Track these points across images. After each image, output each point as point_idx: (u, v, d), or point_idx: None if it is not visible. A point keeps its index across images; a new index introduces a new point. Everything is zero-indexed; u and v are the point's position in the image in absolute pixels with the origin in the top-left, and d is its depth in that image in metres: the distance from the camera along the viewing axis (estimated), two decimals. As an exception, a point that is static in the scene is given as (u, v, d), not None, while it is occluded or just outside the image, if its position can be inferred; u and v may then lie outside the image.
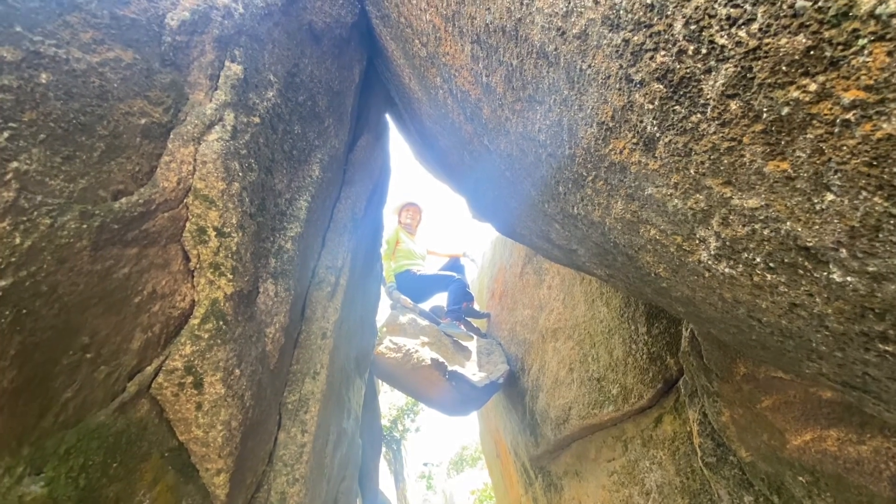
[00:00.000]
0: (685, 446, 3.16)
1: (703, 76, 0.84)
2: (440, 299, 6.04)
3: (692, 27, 0.80)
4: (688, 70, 0.86)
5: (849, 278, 0.84)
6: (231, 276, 1.33)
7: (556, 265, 5.14)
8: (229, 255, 1.33)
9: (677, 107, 0.92)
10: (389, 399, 8.54)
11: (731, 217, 0.99)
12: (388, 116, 4.22)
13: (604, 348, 4.10)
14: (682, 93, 0.90)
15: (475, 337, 5.96)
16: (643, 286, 1.89)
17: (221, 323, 1.32)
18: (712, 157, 0.92)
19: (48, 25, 0.87)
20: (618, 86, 1.04)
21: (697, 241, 1.15)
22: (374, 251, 4.18)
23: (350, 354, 3.15)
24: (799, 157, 0.77)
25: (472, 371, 5.22)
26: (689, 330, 2.85)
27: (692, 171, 1.00)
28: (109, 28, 1.02)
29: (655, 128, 1.01)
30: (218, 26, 1.39)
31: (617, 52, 0.99)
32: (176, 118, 1.23)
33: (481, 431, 8.41)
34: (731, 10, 0.73)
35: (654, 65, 0.92)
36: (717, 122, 0.86)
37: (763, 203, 0.89)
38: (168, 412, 1.26)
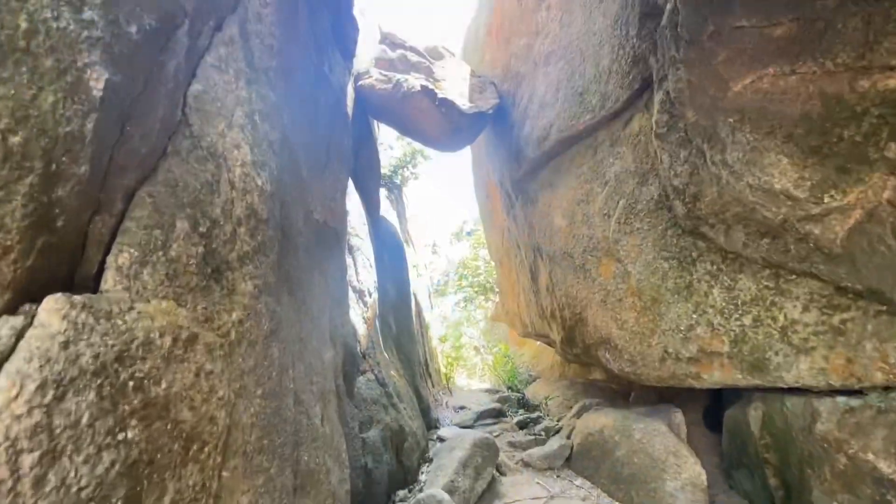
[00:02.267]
0: (646, 137, 3.49)
1: None
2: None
3: None
4: None
5: None
6: None
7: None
8: None
9: None
10: (389, 155, 8.95)
11: None
12: None
13: (592, 62, 4.10)
14: None
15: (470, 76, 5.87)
16: None
17: None
18: None
19: None
20: None
21: None
22: None
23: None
24: None
25: (462, 101, 5.34)
26: (672, 2, 2.79)
27: None
28: None
29: None
30: None
31: None
32: None
33: (475, 181, 9.14)
34: None
35: None
36: None
37: None
38: None
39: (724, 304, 2.72)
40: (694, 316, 2.89)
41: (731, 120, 2.39)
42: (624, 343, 3.47)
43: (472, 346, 14.71)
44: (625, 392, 5.32)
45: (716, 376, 2.78)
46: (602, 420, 3.79)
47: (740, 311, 2.62)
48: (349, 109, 3.78)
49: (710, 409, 4.06)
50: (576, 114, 4.21)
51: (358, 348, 3.38)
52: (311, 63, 1.95)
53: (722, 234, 2.69)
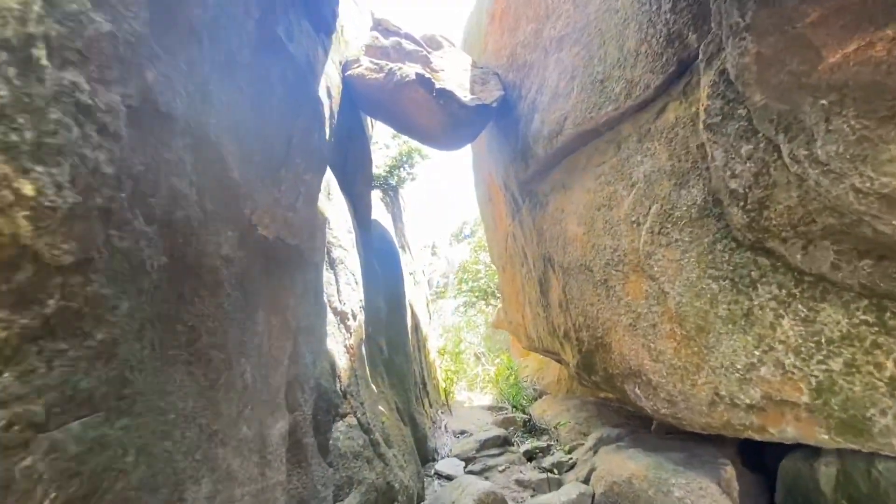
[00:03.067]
0: (685, 130, 2.89)
1: None
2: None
3: None
4: None
5: None
6: None
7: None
8: None
9: None
10: (384, 154, 8.38)
11: None
12: None
13: (614, 44, 3.50)
14: None
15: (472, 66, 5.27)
16: None
17: None
18: None
19: None
20: None
21: None
22: None
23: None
24: None
25: (462, 93, 4.74)
26: (733, -45, 2.19)
27: None
28: None
29: None
30: None
31: None
32: None
33: (476, 182, 8.53)
34: None
35: None
36: None
37: None
38: None
39: (799, 340, 2.12)
40: (756, 352, 2.29)
41: (823, 102, 1.79)
42: (660, 379, 2.86)
43: (472, 353, 14.10)
44: (645, 416, 4.71)
45: (789, 432, 2.18)
46: (630, 466, 3.19)
47: (825, 352, 2.02)
48: (331, 99, 3.17)
49: (748, 444, 3.47)
50: (595, 104, 3.61)
51: (338, 386, 2.78)
52: (250, 17, 1.36)
53: (799, 252, 2.08)
